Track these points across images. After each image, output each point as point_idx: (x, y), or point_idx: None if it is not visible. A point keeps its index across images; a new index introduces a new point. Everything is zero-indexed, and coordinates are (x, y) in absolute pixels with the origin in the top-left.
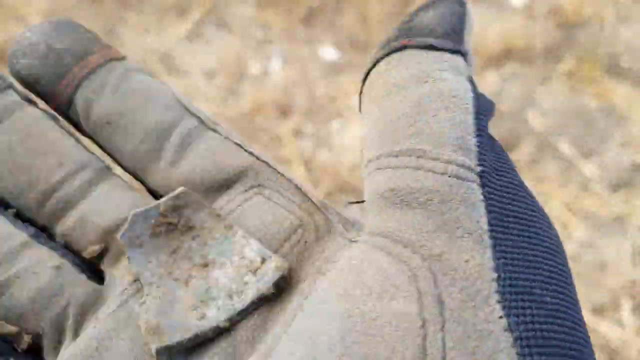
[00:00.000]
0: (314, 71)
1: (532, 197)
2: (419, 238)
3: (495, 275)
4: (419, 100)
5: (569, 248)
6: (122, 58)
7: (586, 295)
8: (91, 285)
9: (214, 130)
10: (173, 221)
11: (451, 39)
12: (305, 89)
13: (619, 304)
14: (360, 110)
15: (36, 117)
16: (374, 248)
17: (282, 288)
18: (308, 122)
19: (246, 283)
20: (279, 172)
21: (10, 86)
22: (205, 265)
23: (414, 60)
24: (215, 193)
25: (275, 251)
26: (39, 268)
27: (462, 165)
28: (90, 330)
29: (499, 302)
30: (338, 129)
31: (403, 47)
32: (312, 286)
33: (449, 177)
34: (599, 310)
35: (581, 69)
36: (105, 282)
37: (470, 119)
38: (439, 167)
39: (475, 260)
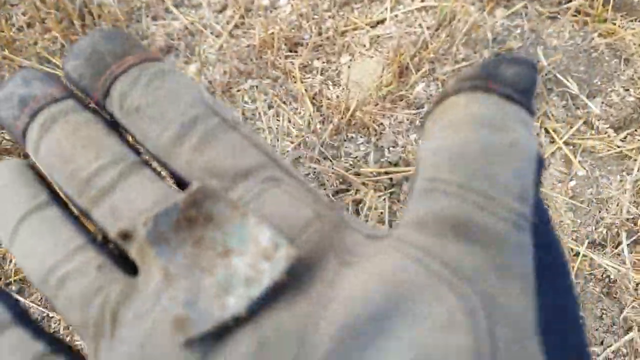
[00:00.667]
0: (323, 4)
1: (562, 250)
2: (477, 275)
3: (536, 317)
4: (494, 145)
5: (571, 184)
6: (158, 59)
7: (586, 230)
8: (127, 280)
9: (235, 129)
10: (193, 215)
11: (527, 97)
12: (314, 23)
13: (618, 239)
14: (425, 123)
15: (86, 117)
16: (429, 272)
17: (299, 275)
18: (317, 57)
19: (261, 271)
20: (292, 173)
21: (71, 95)
22: (227, 253)
23: (496, 106)
24: (232, 182)
25: (294, 239)
26: (85, 268)
27: (522, 215)
28: (128, 328)
29: (539, 342)
30: (347, 64)
31: (488, 90)
32: (338, 276)
33: (510, 223)
34: (598, 245)
35: (591, 7)
36: (138, 276)
37: (532, 173)
38: (503, 213)
39: (521, 303)
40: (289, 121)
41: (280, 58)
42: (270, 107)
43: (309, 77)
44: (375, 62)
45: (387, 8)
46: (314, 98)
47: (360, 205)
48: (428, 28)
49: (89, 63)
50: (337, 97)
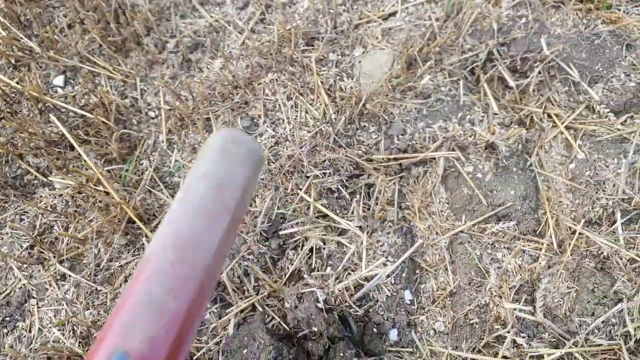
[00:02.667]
0: None
1: None
2: None
3: None
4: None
5: (571, 166)
6: None
7: (584, 210)
8: None
9: None
10: None
11: None
12: (330, 17)
13: (613, 218)
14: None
15: None
16: None
17: None
18: (332, 50)
19: None
20: None
21: None
22: None
23: None
24: None
25: None
26: None
27: None
28: None
29: None
30: (360, 57)
31: None
32: None
33: None
34: (594, 224)
35: None
36: None
37: None
38: None
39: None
40: (306, 112)
41: (298, 52)
42: (289, 98)
43: (325, 70)
44: (386, 54)
45: (398, 0)
46: (329, 90)
47: (372, 189)
48: (437, 20)
49: None
50: (351, 88)
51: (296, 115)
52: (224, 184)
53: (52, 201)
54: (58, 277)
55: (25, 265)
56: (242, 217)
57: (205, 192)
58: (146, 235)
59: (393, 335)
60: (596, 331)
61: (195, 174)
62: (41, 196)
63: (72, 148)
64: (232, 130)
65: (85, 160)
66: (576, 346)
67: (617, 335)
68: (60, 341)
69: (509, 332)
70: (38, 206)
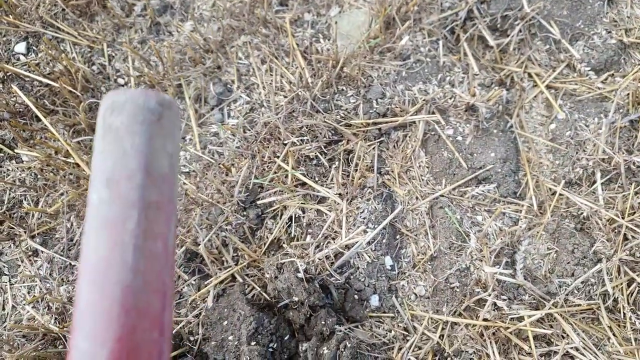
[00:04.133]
0: None
1: None
2: None
3: None
4: None
5: (552, 127)
6: None
7: (564, 171)
8: None
9: None
10: None
11: None
12: None
13: (593, 178)
14: None
15: None
16: None
17: None
18: (307, 10)
19: None
20: None
21: None
22: None
23: None
24: None
25: None
26: None
27: None
28: None
29: None
30: (336, 16)
31: None
32: None
33: None
34: (574, 184)
35: None
36: None
37: None
38: None
39: None
40: (282, 76)
41: (271, 13)
42: (263, 62)
43: (300, 31)
44: (364, 14)
45: None
46: (304, 52)
47: (351, 155)
48: None
49: None
50: (327, 50)
51: (271, 80)
52: (114, 175)
53: (19, 174)
54: (30, 253)
55: None
56: (167, 199)
57: (98, 197)
58: None
59: (374, 301)
60: (575, 291)
61: (90, 179)
62: (8, 169)
63: (39, 119)
64: (111, 94)
65: (52, 132)
66: (556, 307)
67: (596, 295)
68: (35, 318)
69: (489, 295)
70: (5, 180)
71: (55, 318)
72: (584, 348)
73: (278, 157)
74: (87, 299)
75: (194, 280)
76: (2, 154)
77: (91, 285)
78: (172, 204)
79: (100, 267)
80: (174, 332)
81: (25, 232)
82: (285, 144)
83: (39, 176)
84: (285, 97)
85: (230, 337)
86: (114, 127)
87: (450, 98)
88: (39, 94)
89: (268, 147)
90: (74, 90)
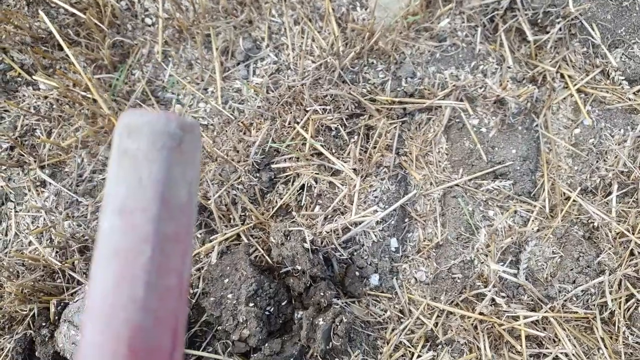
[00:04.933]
0: None
1: None
2: None
3: None
4: None
5: (576, 132)
6: None
7: (581, 177)
8: None
9: None
10: None
11: None
12: None
13: (609, 189)
14: None
15: None
16: None
17: None
18: None
19: None
20: None
21: None
22: None
23: None
24: None
25: None
26: None
27: None
28: None
29: None
30: None
31: None
32: None
33: None
34: (590, 192)
35: None
36: None
37: None
38: None
39: None
40: (313, 40)
41: None
42: (296, 23)
43: None
44: None
45: None
46: (339, 19)
47: (372, 131)
48: None
49: None
50: (363, 20)
51: (302, 43)
52: (128, 204)
53: (35, 102)
54: (38, 183)
55: (4, 167)
56: (185, 231)
57: (109, 226)
58: None
59: (374, 279)
60: (574, 299)
61: (102, 205)
62: (24, 95)
63: (61, 48)
64: (127, 115)
65: (73, 63)
66: (552, 311)
67: (594, 305)
68: (37, 250)
69: (489, 290)
70: (20, 106)
71: (57, 252)
72: (573, 355)
73: (298, 123)
74: (91, 340)
75: (200, 233)
76: (20, 79)
77: (96, 324)
78: (189, 235)
79: (106, 303)
80: None
81: (35, 162)
82: (307, 111)
83: (54, 107)
84: (313, 62)
85: (230, 296)
86: (130, 153)
87: (481, 87)
88: (63, 22)
89: (289, 111)
90: (100, 24)
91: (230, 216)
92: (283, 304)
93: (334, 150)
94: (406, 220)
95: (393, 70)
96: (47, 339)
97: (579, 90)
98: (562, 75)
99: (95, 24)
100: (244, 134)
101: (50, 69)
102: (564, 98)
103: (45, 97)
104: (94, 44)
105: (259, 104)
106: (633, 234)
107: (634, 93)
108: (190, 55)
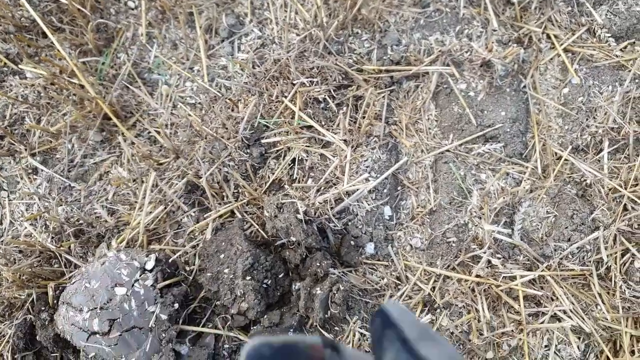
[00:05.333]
0: None
1: None
2: None
3: None
4: None
5: (565, 91)
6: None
7: (572, 136)
8: None
9: None
10: None
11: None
12: None
13: (600, 146)
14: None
15: None
16: None
17: None
18: None
19: None
20: None
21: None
22: None
23: None
24: None
25: None
26: None
27: None
28: None
29: None
30: None
31: None
32: None
33: None
34: (581, 151)
35: None
36: None
37: None
38: None
39: None
40: (296, 13)
41: None
42: None
43: None
44: None
45: None
46: None
47: (360, 101)
48: None
49: None
50: None
51: (285, 16)
52: None
53: (23, 91)
54: (30, 171)
55: None
56: None
57: None
58: (122, 134)
59: (370, 248)
60: (570, 256)
61: None
62: (11, 84)
63: (45, 35)
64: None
65: (58, 50)
66: (549, 269)
67: (590, 262)
68: (32, 236)
69: (485, 252)
70: (8, 95)
71: (52, 237)
72: (571, 311)
73: (286, 96)
74: None
75: (194, 212)
76: (5, 68)
77: None
78: None
79: None
80: (169, 260)
81: (25, 150)
82: (294, 84)
83: (42, 94)
84: (297, 35)
85: (226, 270)
86: None
87: (467, 52)
88: (46, 9)
89: (276, 85)
90: (82, 9)
91: (223, 193)
92: (280, 276)
93: (323, 122)
94: (399, 188)
95: (378, 38)
96: (47, 323)
97: (565, 50)
98: (548, 36)
99: (78, 9)
100: (232, 110)
101: (35, 57)
102: (551, 58)
103: (32, 85)
104: (78, 29)
105: (246, 79)
106: (626, 188)
107: (620, 49)
108: (174, 35)
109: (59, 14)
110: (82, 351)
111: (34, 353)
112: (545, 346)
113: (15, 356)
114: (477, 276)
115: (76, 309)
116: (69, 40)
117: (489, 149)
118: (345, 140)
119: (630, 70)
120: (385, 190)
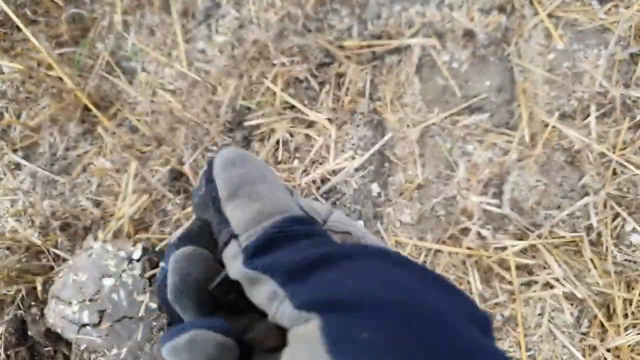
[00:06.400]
0: None
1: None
2: None
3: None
4: None
5: (550, 57)
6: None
7: (558, 103)
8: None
9: None
10: None
11: None
12: None
13: (587, 111)
14: None
15: None
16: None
17: None
18: None
19: None
20: None
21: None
22: None
23: None
24: None
25: None
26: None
27: None
28: None
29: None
30: None
31: None
32: None
33: None
34: (568, 117)
35: None
36: None
37: None
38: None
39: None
40: None
41: None
42: None
43: None
44: None
45: None
46: None
47: (342, 79)
48: None
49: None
50: None
51: None
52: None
53: (0, 86)
54: (12, 167)
55: None
56: None
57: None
58: (103, 124)
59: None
60: (561, 224)
61: None
62: None
63: (19, 29)
64: None
65: (33, 43)
66: (540, 238)
67: (581, 228)
68: (18, 231)
69: (474, 224)
70: None
71: (39, 232)
72: (564, 279)
73: (267, 77)
74: None
75: (179, 199)
76: None
77: None
78: None
79: None
80: (157, 249)
81: (7, 146)
82: (275, 65)
83: (20, 89)
84: (275, 14)
85: None
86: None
87: (449, 22)
88: (18, 2)
89: (256, 66)
90: (55, 0)
91: None
92: None
93: (306, 102)
94: (386, 164)
95: (357, 13)
96: (38, 318)
97: (549, 15)
98: (531, 2)
99: (50, 0)
100: (213, 94)
101: (11, 51)
102: (535, 25)
103: (10, 80)
104: (53, 20)
105: (225, 62)
106: (614, 152)
107: (604, 12)
108: (150, 21)
109: (33, 6)
110: (74, 344)
111: (27, 348)
112: (539, 314)
113: (8, 352)
114: (468, 248)
115: (65, 302)
116: (44, 32)
117: (475, 120)
118: (329, 119)
119: (614, 33)
120: (372, 168)
